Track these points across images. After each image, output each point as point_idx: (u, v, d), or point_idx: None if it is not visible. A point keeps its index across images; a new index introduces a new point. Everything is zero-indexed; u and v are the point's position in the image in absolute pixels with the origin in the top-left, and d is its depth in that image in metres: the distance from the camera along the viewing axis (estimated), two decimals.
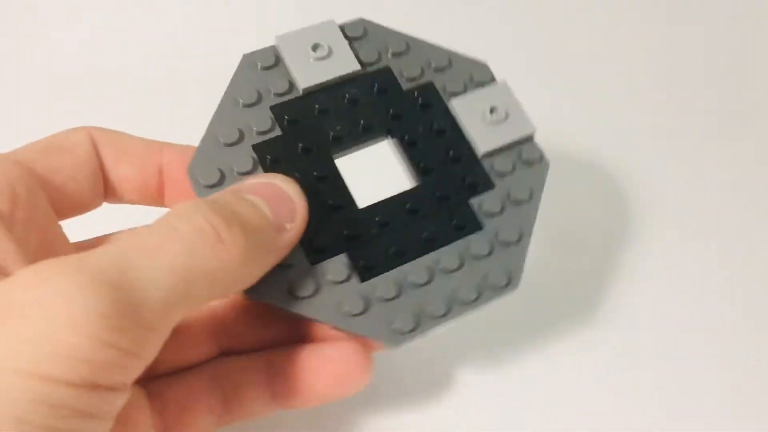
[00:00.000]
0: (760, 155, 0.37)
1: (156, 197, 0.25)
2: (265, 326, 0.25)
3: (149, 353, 0.18)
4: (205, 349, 0.25)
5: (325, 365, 0.24)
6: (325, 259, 0.23)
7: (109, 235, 0.25)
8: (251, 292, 0.22)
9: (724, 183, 0.36)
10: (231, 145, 0.24)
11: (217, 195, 0.22)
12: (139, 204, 0.26)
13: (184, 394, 0.24)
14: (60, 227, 0.24)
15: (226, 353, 0.25)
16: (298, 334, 0.25)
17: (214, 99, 0.25)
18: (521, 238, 0.24)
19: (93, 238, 0.25)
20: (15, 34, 0.40)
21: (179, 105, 0.36)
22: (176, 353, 0.25)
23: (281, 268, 0.23)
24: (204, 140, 0.24)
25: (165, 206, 0.26)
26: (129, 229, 0.20)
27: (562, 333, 0.31)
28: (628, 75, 0.40)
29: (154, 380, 0.24)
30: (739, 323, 0.32)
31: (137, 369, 0.18)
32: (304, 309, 0.23)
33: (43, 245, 0.22)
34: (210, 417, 0.24)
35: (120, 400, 0.18)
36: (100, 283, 0.17)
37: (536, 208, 0.25)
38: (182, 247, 0.19)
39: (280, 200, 0.22)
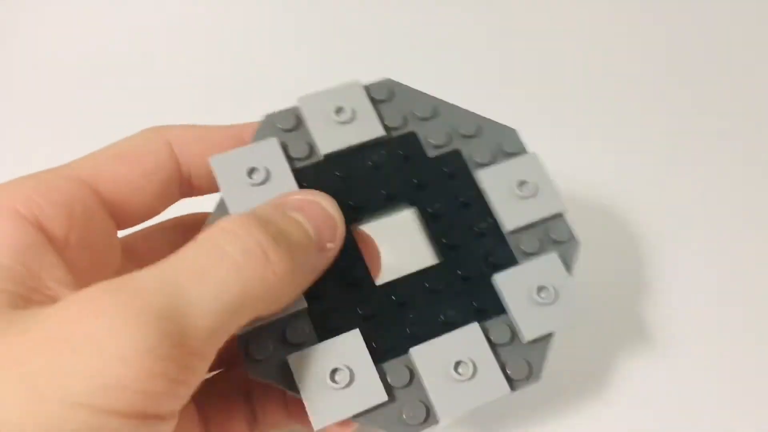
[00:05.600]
0: None
1: None
2: None
3: (196, 379, 0.18)
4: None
5: None
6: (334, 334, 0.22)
7: (155, 226, 0.26)
8: (254, 369, 0.21)
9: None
10: None
11: (263, 210, 0.21)
12: None
13: (223, 406, 0.25)
14: (116, 242, 0.24)
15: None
16: None
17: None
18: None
19: (140, 231, 0.26)
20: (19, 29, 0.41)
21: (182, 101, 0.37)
22: None
23: (290, 346, 0.22)
24: (218, 206, 0.23)
25: None
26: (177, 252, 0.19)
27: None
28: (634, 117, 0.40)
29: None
30: None
31: (185, 396, 0.18)
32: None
33: (95, 265, 0.22)
34: (245, 426, 0.25)
35: (168, 427, 0.18)
36: (149, 315, 0.17)
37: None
38: (230, 272, 0.18)
39: (323, 219, 0.22)
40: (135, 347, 0.16)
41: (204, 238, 0.19)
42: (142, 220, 0.24)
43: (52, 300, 0.19)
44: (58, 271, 0.20)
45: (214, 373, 0.27)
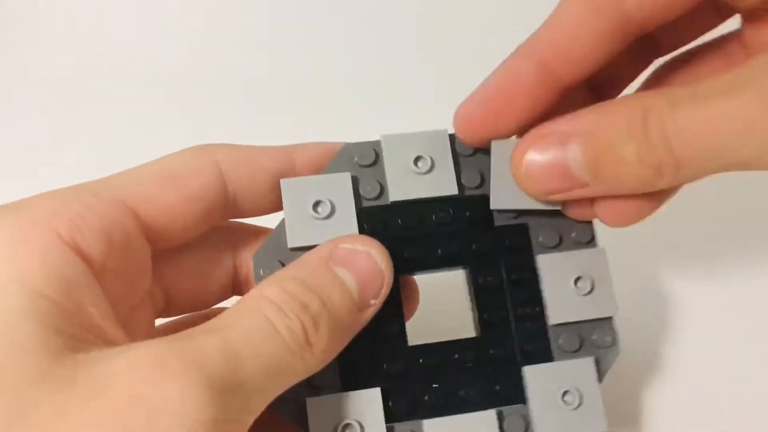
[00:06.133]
0: None
1: None
2: None
3: None
4: None
5: None
6: (357, 389, 0.23)
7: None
8: (275, 403, 0.22)
9: None
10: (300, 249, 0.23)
11: (310, 269, 0.21)
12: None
13: None
14: (149, 266, 0.23)
15: None
16: None
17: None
18: None
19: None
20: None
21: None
22: None
23: (313, 389, 0.22)
24: (278, 228, 0.24)
25: None
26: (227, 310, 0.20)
27: None
28: None
29: None
30: None
31: None
32: None
33: (127, 290, 0.22)
34: None
35: None
36: (217, 391, 0.17)
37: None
38: (279, 350, 0.19)
39: (371, 275, 0.22)
40: (204, 418, 0.17)
41: (252, 306, 0.20)
42: (179, 243, 0.24)
43: (105, 341, 0.19)
44: (103, 305, 0.20)
45: None
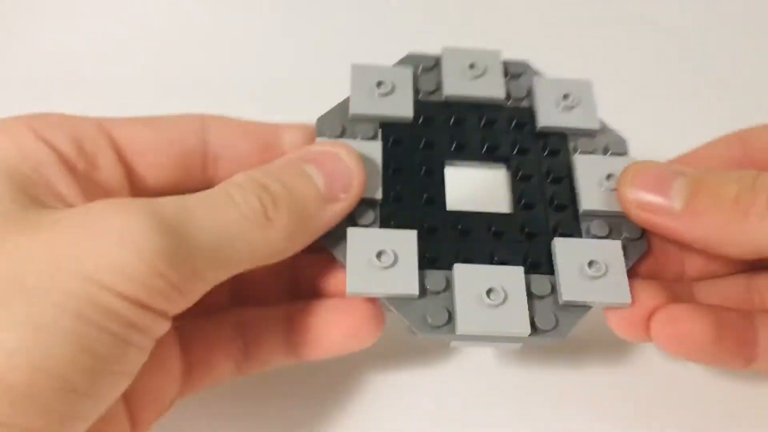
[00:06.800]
0: None
1: None
2: (281, 278, 0.27)
3: (191, 297, 0.20)
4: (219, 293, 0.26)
5: (340, 317, 0.25)
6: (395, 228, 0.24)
7: None
8: (326, 240, 0.24)
9: None
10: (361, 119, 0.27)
11: (275, 165, 0.23)
12: None
13: (207, 338, 0.25)
14: (126, 190, 0.24)
15: (240, 302, 0.27)
16: (312, 288, 0.26)
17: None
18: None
19: None
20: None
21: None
22: None
23: (353, 224, 0.24)
24: (344, 101, 0.27)
25: None
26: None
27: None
28: None
29: (180, 319, 0.24)
30: None
31: (179, 305, 0.20)
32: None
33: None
34: (230, 363, 0.25)
35: (161, 327, 0.20)
36: (165, 226, 0.19)
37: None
38: (232, 214, 0.21)
39: (338, 172, 0.23)
40: (151, 247, 0.18)
41: (216, 187, 0.22)
42: (160, 188, 0.25)
43: (69, 205, 0.21)
44: (71, 182, 0.22)
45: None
